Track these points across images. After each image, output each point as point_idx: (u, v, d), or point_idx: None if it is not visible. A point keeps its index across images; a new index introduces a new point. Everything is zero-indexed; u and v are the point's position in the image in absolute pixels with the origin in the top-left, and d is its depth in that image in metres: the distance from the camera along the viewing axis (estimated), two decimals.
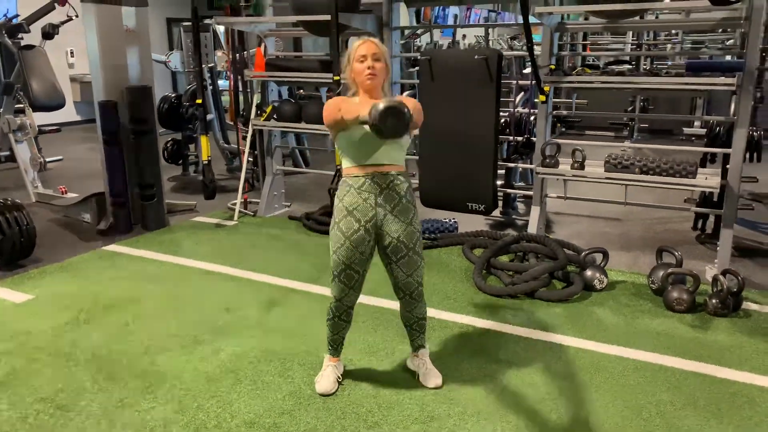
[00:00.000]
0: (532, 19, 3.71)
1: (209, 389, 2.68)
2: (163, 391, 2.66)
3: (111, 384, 2.72)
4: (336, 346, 2.71)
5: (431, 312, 2.85)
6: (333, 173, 4.88)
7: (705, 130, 9.22)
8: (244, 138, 5.87)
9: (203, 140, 4.64)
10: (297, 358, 2.93)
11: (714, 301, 3.31)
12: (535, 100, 5.56)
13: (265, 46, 5.07)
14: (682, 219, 5.06)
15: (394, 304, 3.19)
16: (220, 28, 7.31)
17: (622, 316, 3.36)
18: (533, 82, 5.37)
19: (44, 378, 2.77)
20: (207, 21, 6.97)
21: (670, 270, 3.45)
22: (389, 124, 2.11)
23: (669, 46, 9.16)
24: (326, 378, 2.67)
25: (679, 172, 3.75)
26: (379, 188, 2.41)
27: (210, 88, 7.07)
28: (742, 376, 2.73)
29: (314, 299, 3.61)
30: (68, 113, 10.45)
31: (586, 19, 4.18)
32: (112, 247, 4.56)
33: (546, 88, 4.02)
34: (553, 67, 4.00)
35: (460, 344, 3.06)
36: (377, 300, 3.50)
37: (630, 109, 8.99)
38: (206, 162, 4.70)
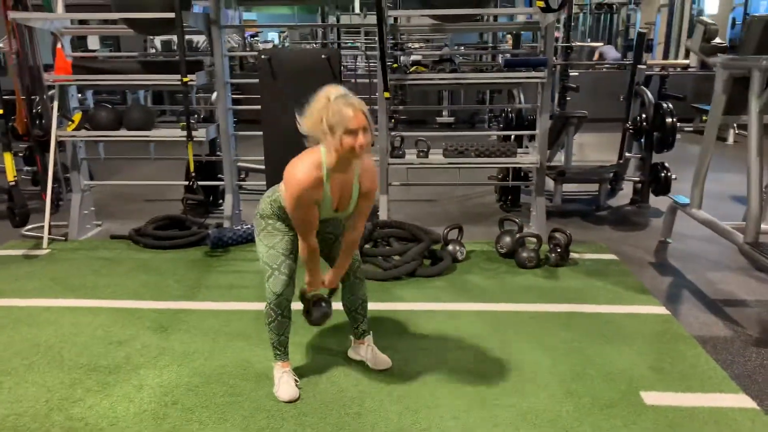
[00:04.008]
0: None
1: (162, 426, 2.42)
2: None
3: None
4: (284, 349, 2.67)
5: (335, 306, 2.87)
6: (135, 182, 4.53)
7: (453, 118, 10.77)
8: (27, 153, 5.07)
9: (7, 158, 3.90)
10: (236, 375, 2.79)
11: (554, 255, 4.05)
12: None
13: (62, 46, 4.44)
14: (483, 194, 5.91)
15: (298, 305, 3.20)
16: None
17: (491, 279, 3.90)
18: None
19: None
20: None
21: (518, 234, 4.10)
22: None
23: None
24: (286, 384, 2.62)
25: (505, 153, 4.44)
26: None
27: None
28: (603, 309, 3.44)
29: (209, 316, 3.41)
30: None
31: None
32: None
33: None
34: (395, 66, 4.36)
35: (381, 328, 3.22)
36: None
37: (396, 102, 9.91)
38: (13, 183, 3.96)
